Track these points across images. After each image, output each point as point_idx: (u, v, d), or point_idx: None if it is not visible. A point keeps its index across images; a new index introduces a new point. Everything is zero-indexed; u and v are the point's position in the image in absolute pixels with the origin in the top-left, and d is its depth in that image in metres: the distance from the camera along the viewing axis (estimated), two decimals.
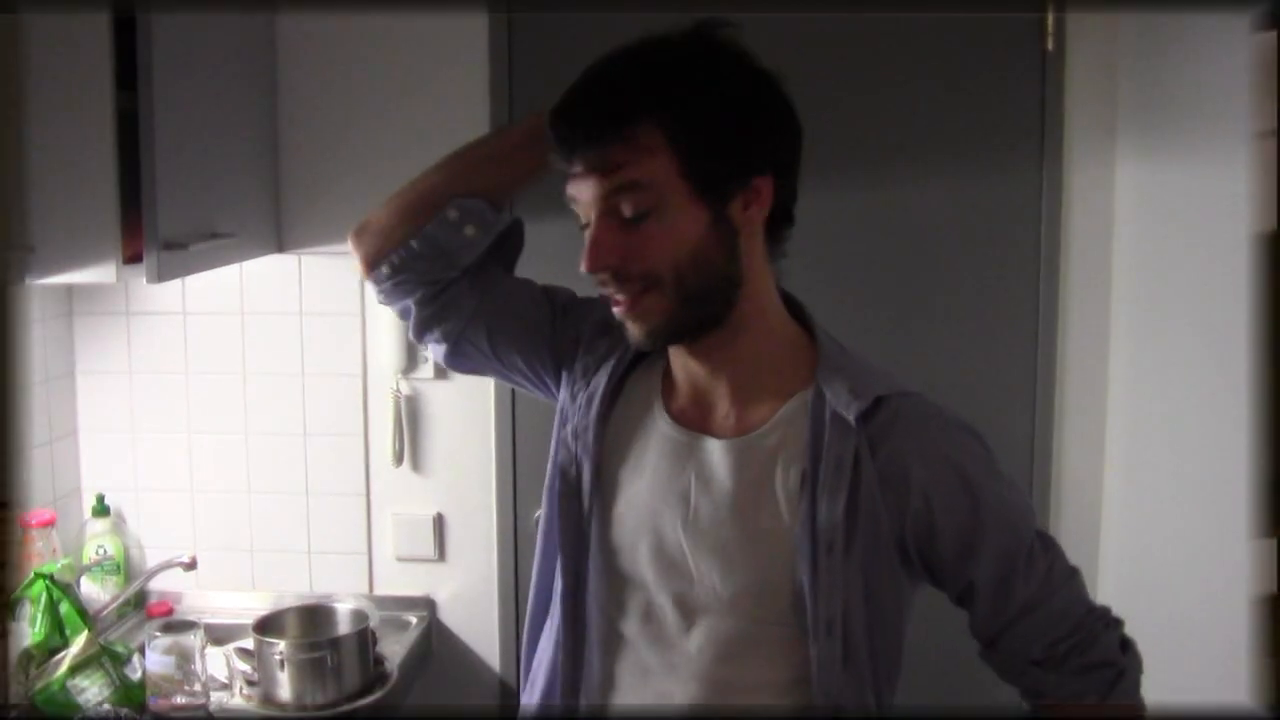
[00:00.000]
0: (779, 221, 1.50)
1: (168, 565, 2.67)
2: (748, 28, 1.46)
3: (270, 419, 2.81)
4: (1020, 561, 1.49)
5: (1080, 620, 1.51)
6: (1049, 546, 1.53)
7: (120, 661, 2.31)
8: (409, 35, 2.65)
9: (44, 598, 2.31)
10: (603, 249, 1.41)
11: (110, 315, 2.81)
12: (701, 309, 1.45)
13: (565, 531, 1.59)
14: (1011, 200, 2.60)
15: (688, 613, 1.52)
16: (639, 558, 1.54)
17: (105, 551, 2.76)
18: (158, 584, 2.79)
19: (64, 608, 2.32)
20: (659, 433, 1.56)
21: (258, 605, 2.69)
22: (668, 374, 1.59)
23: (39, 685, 2.21)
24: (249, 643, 2.35)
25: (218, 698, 2.32)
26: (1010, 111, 2.58)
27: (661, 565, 1.53)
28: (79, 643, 2.27)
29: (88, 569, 2.71)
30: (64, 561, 2.42)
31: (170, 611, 2.79)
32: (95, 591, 2.70)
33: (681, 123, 1.38)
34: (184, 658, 2.27)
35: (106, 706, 2.20)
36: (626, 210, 1.40)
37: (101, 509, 2.78)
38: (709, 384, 1.54)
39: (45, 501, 2.67)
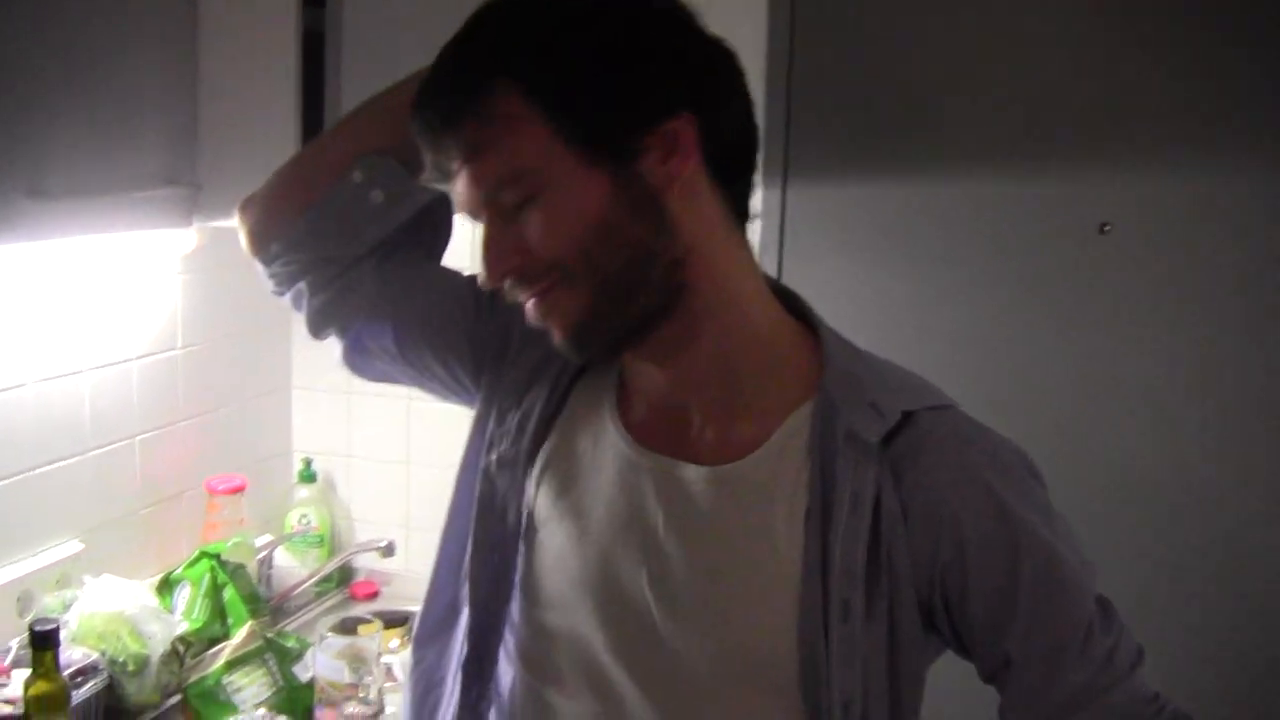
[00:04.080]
0: (731, 173, 1.20)
1: (364, 548, 2.43)
2: None
3: None
4: (1074, 638, 1.16)
5: None
6: (1111, 620, 1.20)
7: (289, 658, 2.05)
8: None
9: (207, 580, 2.07)
10: (497, 252, 1.15)
11: None
12: (629, 297, 1.16)
13: (480, 581, 1.30)
14: None
15: (652, 686, 1.22)
16: (582, 615, 1.25)
17: (309, 522, 2.54)
18: (366, 560, 2.55)
19: (228, 593, 2.07)
20: (614, 455, 1.26)
21: None
22: (621, 379, 1.30)
23: (193, 678, 1.97)
24: None
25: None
26: None
27: (616, 625, 1.24)
28: (240, 634, 2.02)
29: (288, 539, 2.49)
30: (236, 540, 2.17)
31: (375, 594, 2.56)
32: (293, 565, 2.48)
33: (540, 77, 1.11)
34: (359, 661, 1.99)
35: (261, 713, 1.93)
36: (509, 201, 1.13)
37: (308, 475, 2.56)
38: (675, 395, 1.24)
39: (247, 463, 2.45)
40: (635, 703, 1.22)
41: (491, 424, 1.33)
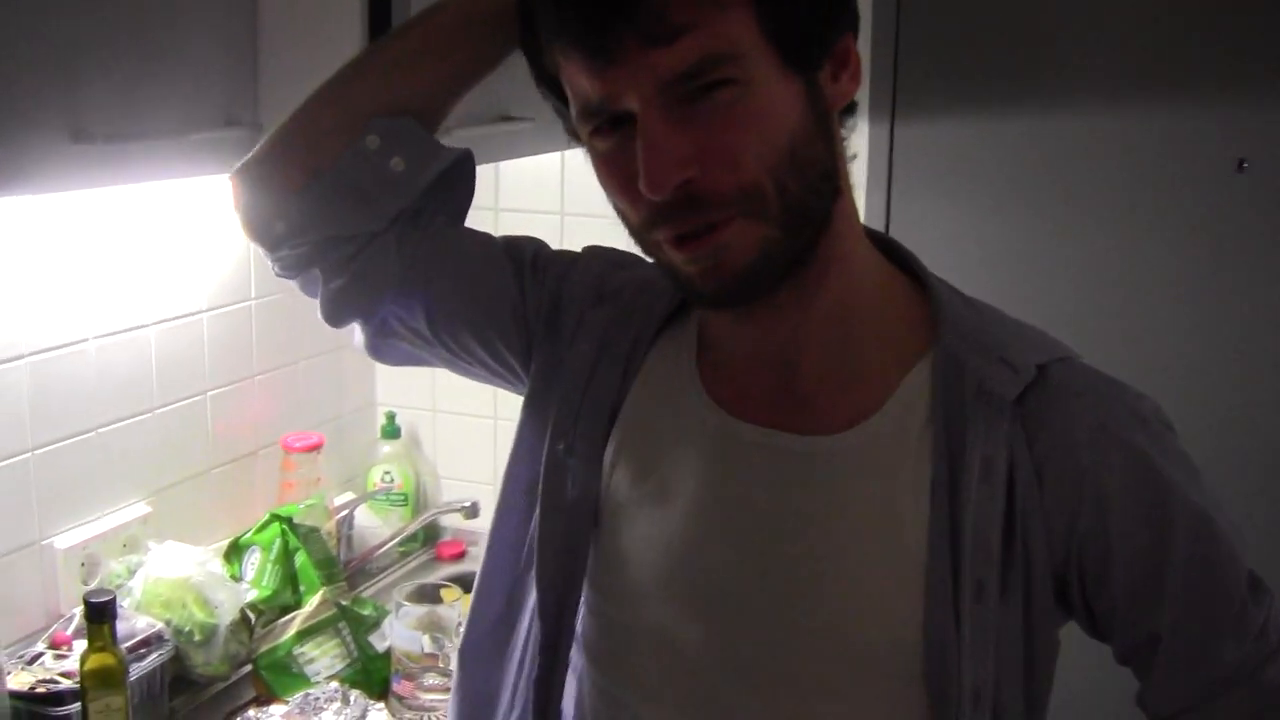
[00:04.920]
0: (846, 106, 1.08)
1: (447, 509, 2.32)
2: None
3: None
4: (1228, 612, 1.06)
5: None
6: (1261, 590, 1.08)
7: (364, 627, 1.94)
8: None
9: (278, 545, 1.97)
10: (672, 154, 0.96)
11: None
12: (801, 234, 1.02)
13: (551, 587, 1.15)
14: None
15: (752, 681, 1.09)
16: (672, 611, 1.11)
17: (392, 479, 2.43)
18: (452, 519, 2.44)
19: (300, 558, 1.96)
20: (702, 428, 1.12)
21: None
22: (703, 343, 1.15)
23: (263, 648, 1.87)
24: None
25: None
26: None
27: (712, 621, 1.10)
28: (312, 602, 1.91)
29: (370, 497, 2.39)
30: (310, 501, 2.06)
31: (462, 554, 2.46)
32: (375, 525, 2.38)
33: None
34: (439, 631, 1.88)
35: (334, 686, 1.82)
36: (701, 91, 0.95)
37: (392, 430, 2.45)
38: (777, 355, 1.10)
39: (326, 419, 2.35)
40: (736, 706, 1.10)
41: (554, 410, 1.18)
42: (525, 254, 1.24)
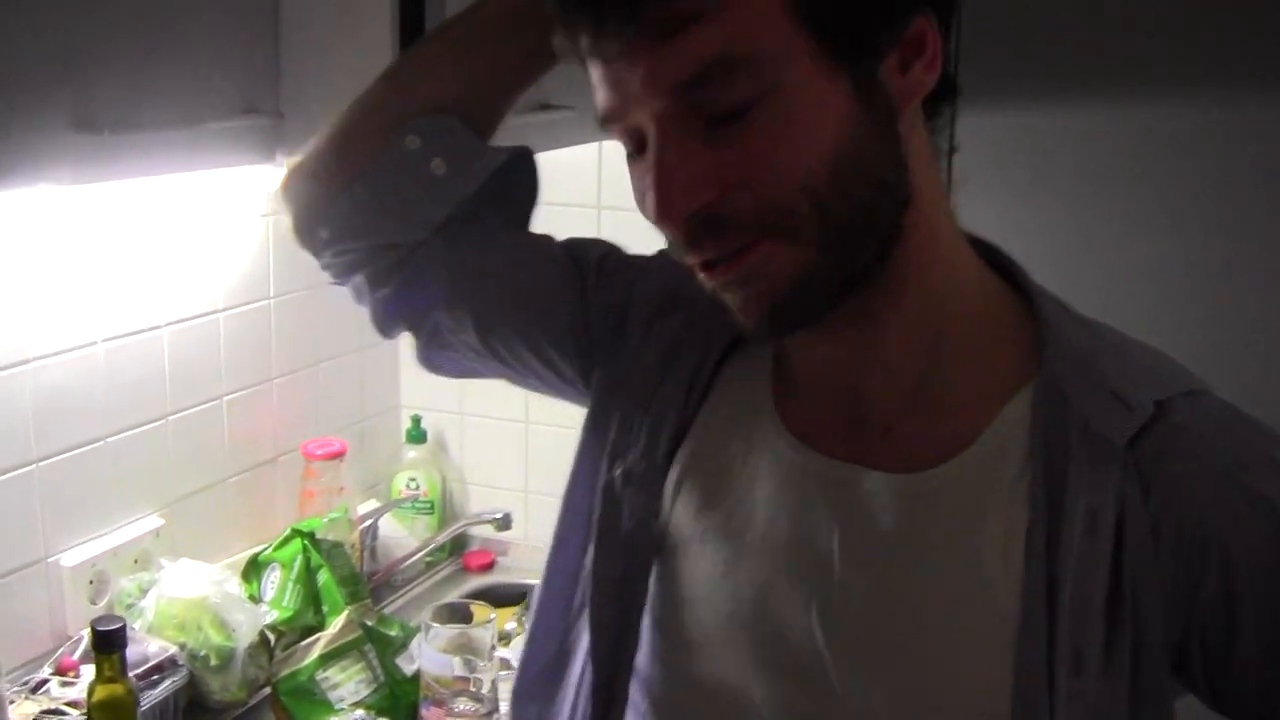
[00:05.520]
0: (939, 94, 0.92)
1: (477, 520, 2.21)
2: None
3: None
4: None
5: None
6: None
7: (391, 649, 1.82)
8: None
9: (299, 562, 1.85)
10: (683, 178, 0.85)
11: None
12: (855, 251, 0.89)
13: (604, 625, 1.05)
14: None
15: None
16: (734, 661, 1.00)
17: (418, 486, 2.32)
18: (481, 528, 2.34)
19: (323, 577, 1.85)
20: (773, 459, 1.01)
21: None
22: (780, 365, 1.04)
23: (284, 673, 1.75)
24: None
25: None
26: None
27: (776, 673, 0.99)
28: (337, 624, 1.79)
29: (395, 506, 2.27)
30: (332, 515, 1.95)
31: (490, 565, 2.35)
32: (400, 535, 2.26)
33: None
34: (471, 653, 1.76)
35: (360, 714, 1.71)
36: (717, 105, 0.84)
37: (418, 434, 2.35)
38: (856, 381, 0.98)
39: (349, 422, 2.23)
40: None
41: (614, 430, 1.07)
42: (590, 258, 1.14)
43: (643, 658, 1.06)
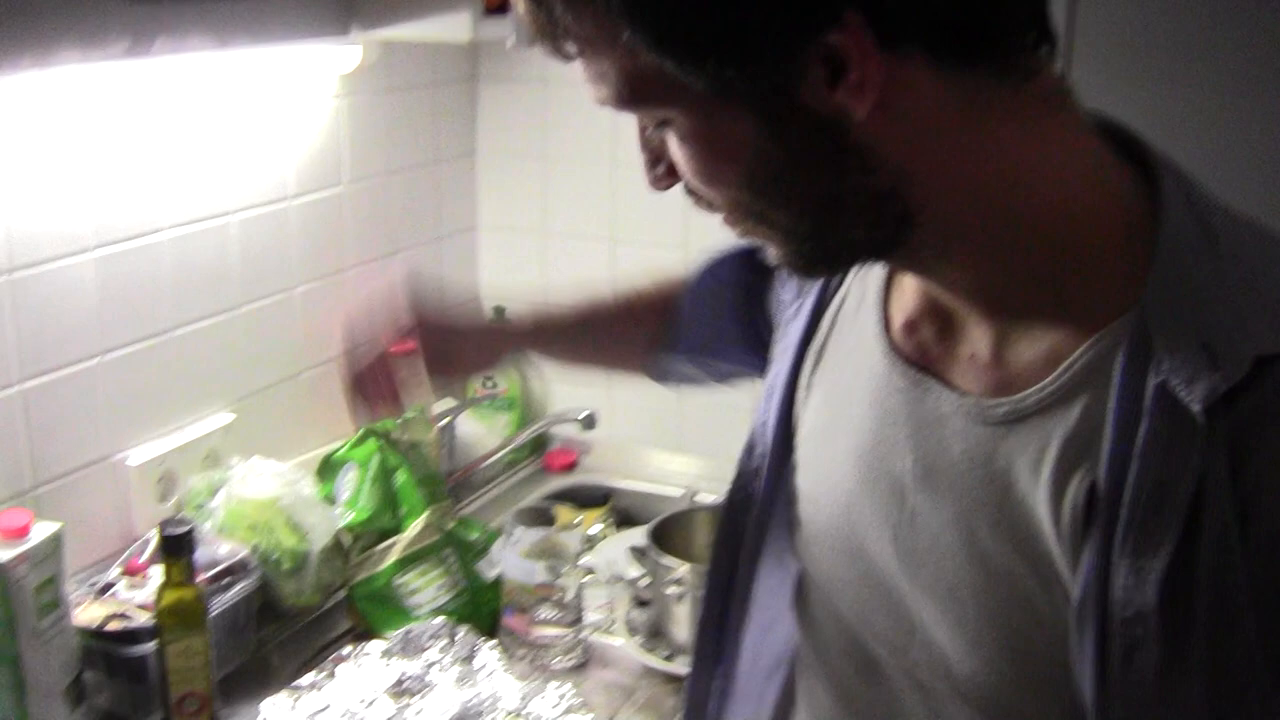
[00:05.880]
0: (967, 41, 0.80)
1: (559, 419, 2.13)
2: None
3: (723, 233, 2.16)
4: None
5: None
6: None
7: (472, 553, 1.75)
8: None
9: (375, 463, 1.77)
10: (648, 159, 0.90)
11: (521, 84, 2.25)
12: (840, 234, 0.87)
13: (721, 552, 1.14)
14: None
15: (909, 677, 0.96)
16: (842, 588, 1.01)
17: (496, 385, 2.24)
18: (563, 426, 2.25)
19: (400, 478, 1.77)
20: (870, 364, 0.98)
21: (687, 471, 2.19)
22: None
23: (360, 577, 1.69)
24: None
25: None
26: None
27: (865, 593, 0.99)
28: (415, 527, 1.72)
29: (473, 404, 2.20)
30: (410, 413, 1.87)
31: (573, 464, 2.27)
32: (480, 433, 2.19)
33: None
34: (556, 558, 1.68)
35: (439, 621, 1.63)
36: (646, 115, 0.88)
37: None
38: (947, 301, 0.93)
39: None
40: (898, 695, 0.97)
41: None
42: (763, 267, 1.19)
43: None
